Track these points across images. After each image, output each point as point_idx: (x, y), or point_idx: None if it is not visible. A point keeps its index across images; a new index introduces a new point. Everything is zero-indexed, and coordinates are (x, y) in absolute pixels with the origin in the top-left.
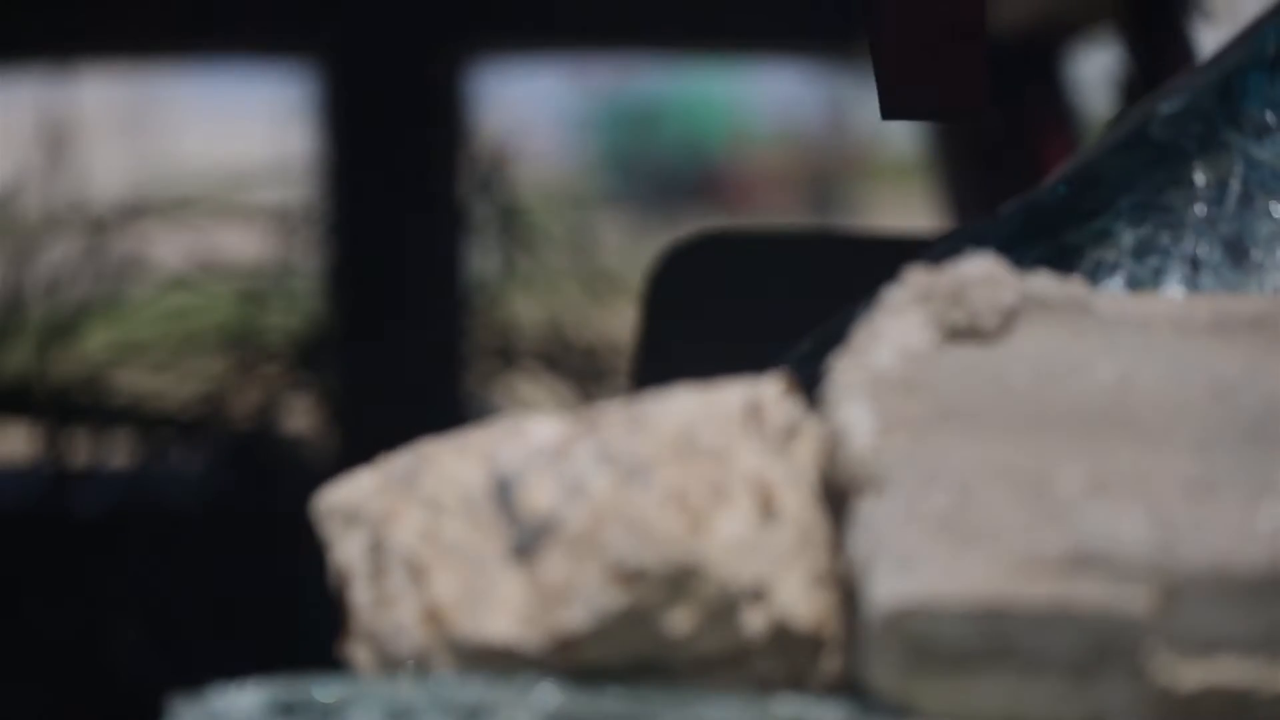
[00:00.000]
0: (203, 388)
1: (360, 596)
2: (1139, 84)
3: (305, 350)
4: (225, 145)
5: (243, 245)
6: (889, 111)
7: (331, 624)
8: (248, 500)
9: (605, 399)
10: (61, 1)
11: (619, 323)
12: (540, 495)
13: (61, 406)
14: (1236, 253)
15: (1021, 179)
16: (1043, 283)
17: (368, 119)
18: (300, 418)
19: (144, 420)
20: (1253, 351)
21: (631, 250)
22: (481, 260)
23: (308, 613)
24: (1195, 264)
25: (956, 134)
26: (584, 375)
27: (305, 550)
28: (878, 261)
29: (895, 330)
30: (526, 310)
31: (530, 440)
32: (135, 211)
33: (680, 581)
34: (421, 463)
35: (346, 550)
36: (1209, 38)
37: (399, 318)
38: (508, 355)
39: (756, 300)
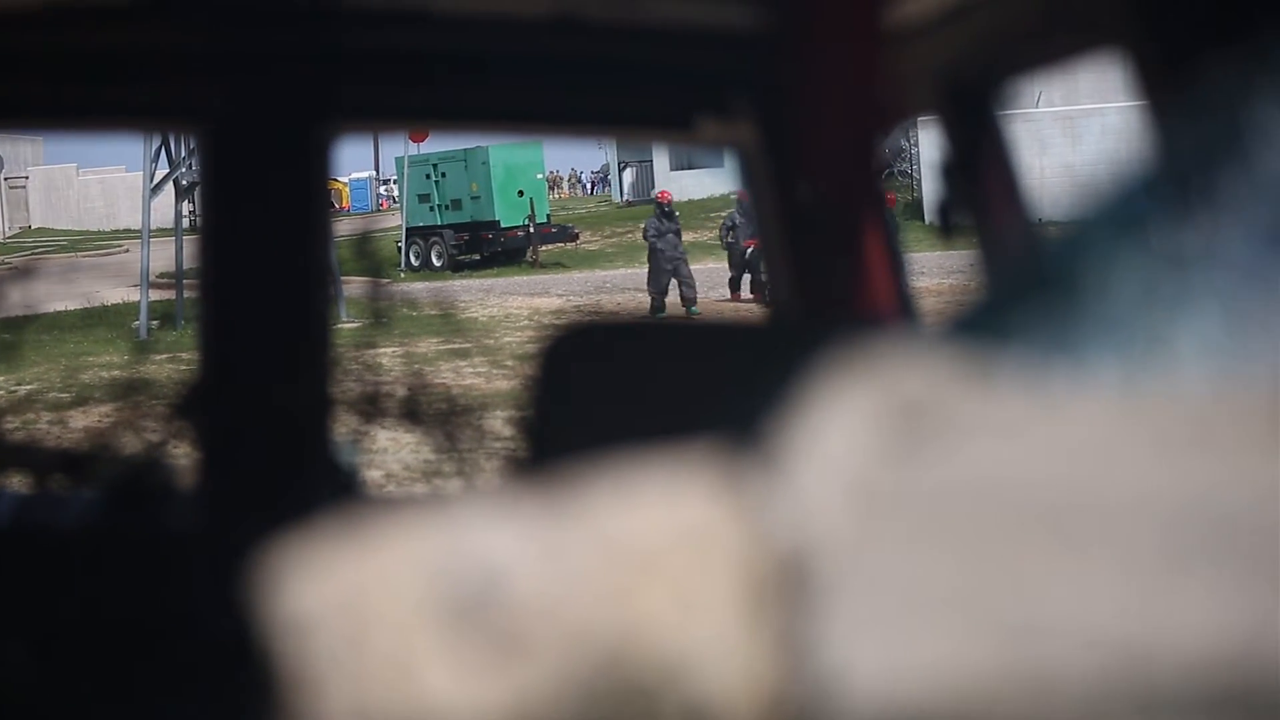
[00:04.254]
0: (92, 426)
1: (337, 700)
2: (957, 167)
3: (183, 397)
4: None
5: (125, 296)
6: (803, 200)
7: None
8: (132, 526)
9: (465, 447)
10: None
11: (476, 373)
12: (507, 608)
13: None
14: (1164, 348)
15: (838, 251)
16: (981, 384)
17: (242, 187)
18: (181, 459)
19: (37, 455)
20: (1191, 456)
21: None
22: (349, 314)
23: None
24: (1128, 362)
25: (777, 206)
26: (445, 424)
27: (184, 576)
28: (734, 350)
29: (841, 423)
30: (390, 362)
31: (486, 546)
32: (27, 262)
33: (647, 694)
34: (385, 561)
35: (312, 654)
36: (1017, 127)
37: (269, 369)
38: (372, 405)
39: (629, 381)
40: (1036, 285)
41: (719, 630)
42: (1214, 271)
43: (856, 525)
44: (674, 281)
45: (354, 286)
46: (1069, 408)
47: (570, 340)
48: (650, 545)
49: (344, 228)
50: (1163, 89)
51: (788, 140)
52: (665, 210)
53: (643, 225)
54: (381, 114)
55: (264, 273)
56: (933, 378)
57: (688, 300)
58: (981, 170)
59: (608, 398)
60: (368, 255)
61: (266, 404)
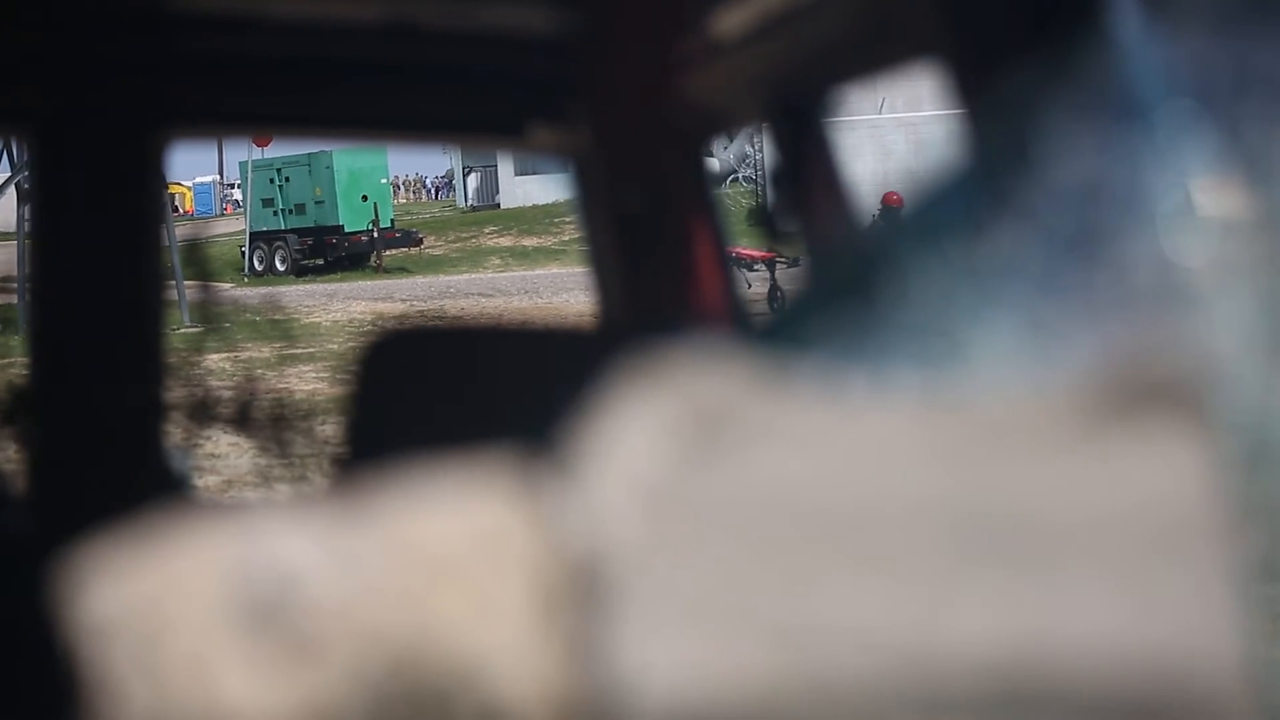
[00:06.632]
0: None
1: (136, 703)
2: (786, 174)
3: (14, 400)
4: None
5: None
6: (612, 199)
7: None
8: None
9: (306, 452)
10: None
11: (319, 378)
12: (302, 612)
13: None
14: (961, 354)
15: (662, 256)
16: (777, 391)
17: (72, 191)
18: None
19: None
20: (980, 462)
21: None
22: (192, 319)
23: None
24: (926, 368)
25: (604, 212)
26: (275, 430)
27: (12, 583)
28: (553, 354)
29: (636, 430)
30: (222, 367)
31: (282, 550)
32: None
33: (441, 696)
34: (184, 565)
35: (112, 657)
36: (844, 135)
37: (100, 374)
38: (204, 411)
39: (446, 384)
40: (838, 293)
41: (513, 633)
42: (1011, 279)
43: (649, 531)
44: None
45: (197, 291)
46: (863, 414)
47: (388, 345)
48: (444, 550)
49: (188, 232)
50: (973, 100)
51: (612, 146)
52: None
53: None
54: (214, 119)
55: (95, 277)
56: (728, 385)
57: None
58: (807, 177)
59: (424, 402)
60: (197, 261)
61: (98, 409)
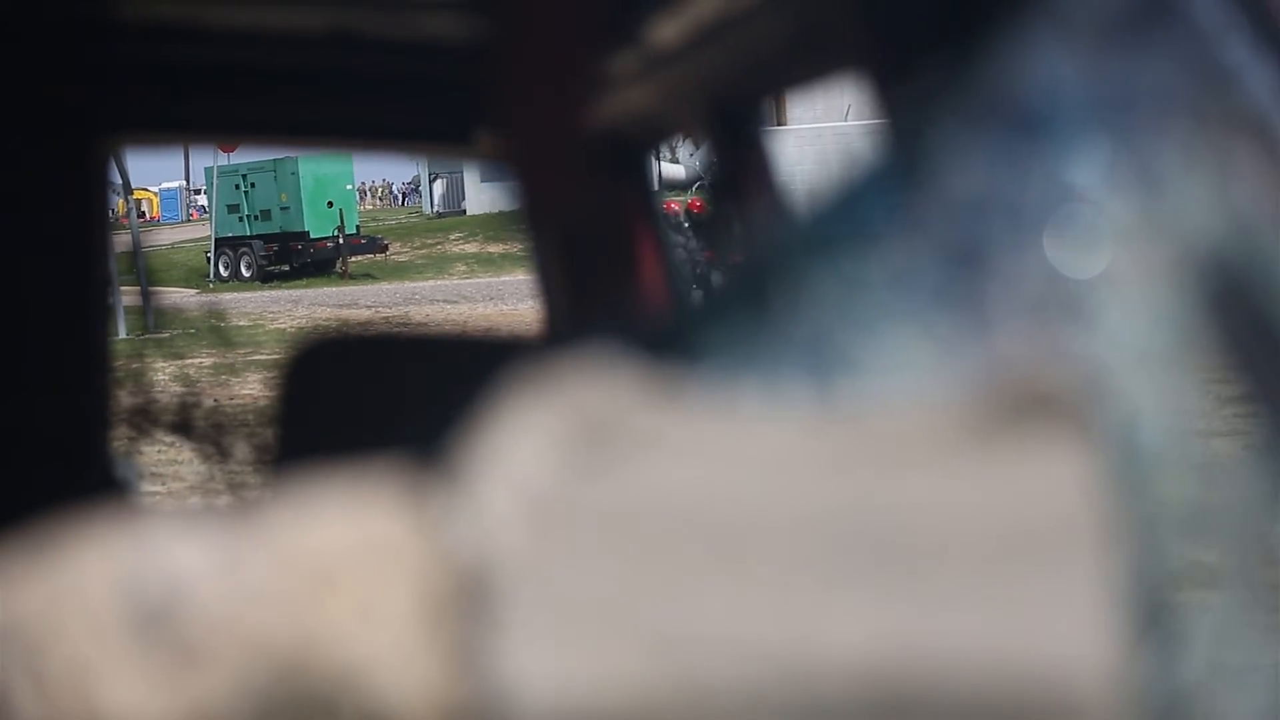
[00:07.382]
0: None
1: (24, 711)
2: (723, 182)
3: None
4: None
5: None
6: (535, 217)
7: None
8: None
9: (236, 461)
10: None
11: (249, 387)
12: (188, 619)
13: None
14: (854, 366)
15: (605, 266)
16: (667, 401)
17: (16, 197)
18: None
19: None
20: (865, 473)
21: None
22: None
23: None
24: (819, 380)
25: (547, 223)
26: (222, 437)
27: None
28: (479, 363)
29: (524, 440)
30: (184, 373)
31: (170, 558)
32: None
33: (325, 703)
34: (74, 572)
35: (2, 662)
36: (778, 143)
37: (46, 382)
38: (146, 418)
39: (372, 392)
40: (733, 302)
41: (397, 641)
42: (902, 290)
43: (534, 540)
44: None
45: (163, 297)
46: (752, 425)
47: (314, 354)
48: (330, 558)
49: (158, 238)
50: (874, 112)
51: (548, 154)
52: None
53: None
54: (156, 126)
55: (39, 282)
56: (618, 394)
57: None
58: (742, 184)
59: (342, 410)
60: (138, 269)
61: (41, 415)
